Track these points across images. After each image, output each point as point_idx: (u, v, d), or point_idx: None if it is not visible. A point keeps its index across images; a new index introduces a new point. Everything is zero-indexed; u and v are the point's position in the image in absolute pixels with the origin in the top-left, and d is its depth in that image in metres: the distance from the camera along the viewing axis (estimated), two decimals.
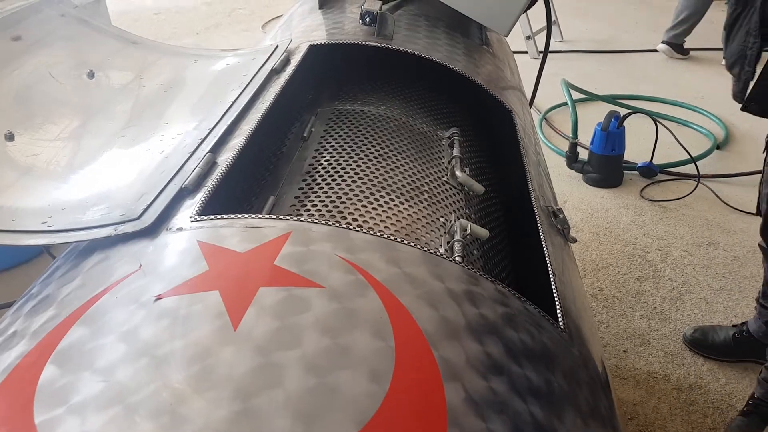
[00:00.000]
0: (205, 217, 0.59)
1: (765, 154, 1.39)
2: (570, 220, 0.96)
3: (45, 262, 1.90)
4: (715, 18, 3.66)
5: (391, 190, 0.85)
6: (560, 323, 0.64)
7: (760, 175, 1.42)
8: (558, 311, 0.66)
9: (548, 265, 0.74)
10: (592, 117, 2.64)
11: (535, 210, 0.85)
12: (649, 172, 2.46)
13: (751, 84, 1.29)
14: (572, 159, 2.51)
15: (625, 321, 1.79)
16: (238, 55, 1.06)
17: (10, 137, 0.78)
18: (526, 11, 1.31)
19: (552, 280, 0.71)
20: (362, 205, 0.80)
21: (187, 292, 0.48)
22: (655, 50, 3.67)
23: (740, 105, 1.30)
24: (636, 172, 2.49)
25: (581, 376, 0.62)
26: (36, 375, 0.43)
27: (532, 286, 0.78)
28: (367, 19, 1.11)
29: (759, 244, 1.50)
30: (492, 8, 1.20)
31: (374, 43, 1.06)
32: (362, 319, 0.48)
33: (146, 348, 0.44)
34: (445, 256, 0.63)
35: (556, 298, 0.68)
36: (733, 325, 1.67)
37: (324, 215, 0.77)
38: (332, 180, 0.84)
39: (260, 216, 0.59)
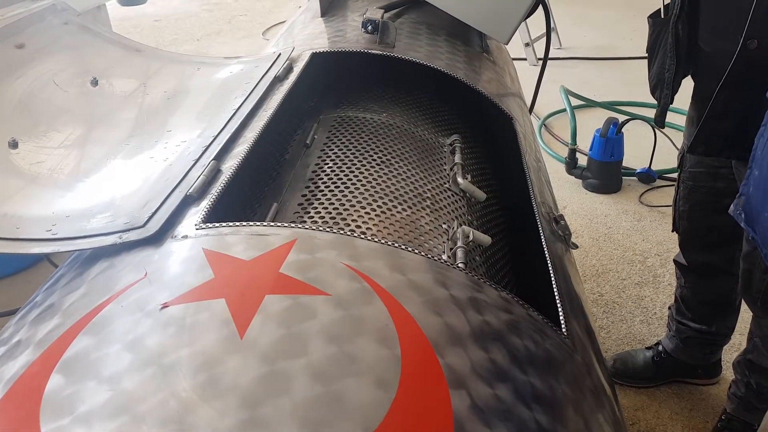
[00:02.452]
0: (210, 225, 0.59)
1: (679, 171, 1.36)
2: (570, 226, 0.96)
3: (44, 270, 1.90)
4: None
5: (394, 196, 0.85)
6: (563, 330, 0.65)
7: (674, 192, 1.39)
8: (561, 318, 0.66)
9: (550, 271, 0.74)
10: (591, 123, 2.65)
11: (537, 216, 0.85)
12: (648, 177, 2.47)
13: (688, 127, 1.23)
14: (572, 165, 2.52)
15: (625, 326, 1.79)
16: (241, 63, 1.06)
17: (14, 145, 0.79)
18: (525, 19, 1.32)
19: (554, 286, 0.71)
20: (365, 212, 0.81)
21: (193, 300, 0.48)
22: None
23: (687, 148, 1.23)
24: (635, 177, 2.50)
25: (585, 382, 0.62)
26: (42, 384, 0.43)
27: (535, 292, 0.78)
28: (369, 27, 1.12)
29: (674, 260, 1.48)
30: (492, 16, 1.21)
31: (376, 51, 1.07)
32: (368, 326, 0.48)
33: (153, 357, 0.44)
34: (448, 263, 0.63)
35: (558, 305, 0.68)
36: (647, 348, 1.62)
37: (327, 222, 0.77)
38: (335, 187, 0.85)
39: (265, 223, 0.60)
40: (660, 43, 1.21)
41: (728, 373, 1.60)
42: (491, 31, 1.25)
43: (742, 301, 1.46)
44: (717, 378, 1.59)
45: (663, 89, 1.22)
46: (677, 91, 1.22)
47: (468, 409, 0.45)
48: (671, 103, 1.24)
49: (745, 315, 1.51)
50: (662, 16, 1.21)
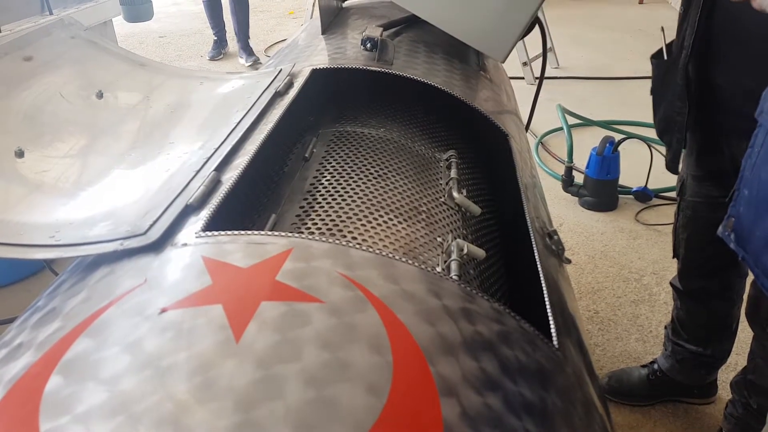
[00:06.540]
0: (210, 234, 0.61)
1: (678, 198, 1.37)
2: (566, 243, 0.98)
3: (45, 278, 1.91)
4: None
5: (390, 210, 0.87)
6: (554, 342, 0.66)
7: (674, 220, 1.40)
8: (552, 330, 0.67)
9: (542, 285, 0.75)
10: (588, 142, 2.69)
11: (530, 231, 0.87)
12: (644, 196, 2.49)
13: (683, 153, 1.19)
14: (568, 183, 2.55)
15: (620, 344, 1.80)
16: (243, 78, 1.09)
17: (20, 154, 0.81)
18: (522, 38, 1.35)
19: (546, 299, 0.72)
20: (361, 224, 0.82)
21: (191, 306, 0.50)
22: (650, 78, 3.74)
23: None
24: (631, 196, 2.52)
25: (575, 395, 0.63)
26: (41, 385, 0.44)
27: (528, 306, 0.79)
28: (368, 45, 1.15)
29: (671, 283, 1.48)
30: (489, 35, 1.25)
31: (375, 68, 1.10)
32: (361, 334, 0.49)
33: (150, 359, 0.45)
34: (441, 274, 0.65)
35: (550, 318, 0.69)
36: (642, 366, 1.62)
37: (324, 233, 0.79)
38: (332, 199, 0.86)
39: (263, 233, 0.61)
40: (667, 85, 1.17)
41: (724, 392, 1.60)
42: (488, 49, 1.28)
43: (739, 323, 1.48)
44: (713, 398, 1.59)
45: (674, 133, 1.18)
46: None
47: (458, 416, 0.46)
48: (684, 148, 1.20)
49: (742, 335, 1.52)
50: (665, 57, 1.18)
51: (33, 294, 1.03)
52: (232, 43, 4.39)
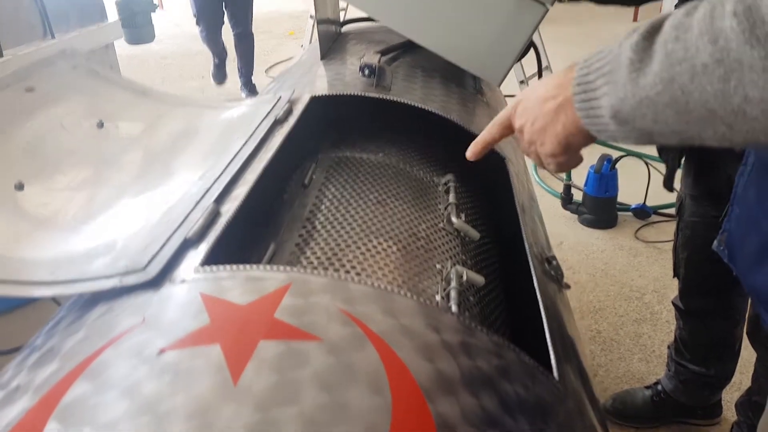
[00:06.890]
0: (208, 269, 0.61)
1: (677, 218, 1.38)
2: (566, 262, 0.98)
3: (43, 307, 1.90)
4: None
5: (389, 236, 0.87)
6: (554, 374, 0.65)
7: (674, 239, 1.41)
8: (552, 362, 0.67)
9: (542, 313, 0.75)
10: (586, 159, 2.69)
11: (529, 257, 0.87)
12: (643, 213, 2.50)
13: (679, 171, 1.22)
14: (567, 200, 2.55)
15: (624, 364, 1.78)
16: (243, 106, 1.10)
17: (19, 187, 0.81)
18: (518, 62, 1.36)
19: (546, 329, 0.72)
20: (360, 252, 0.82)
21: (189, 346, 0.49)
22: None
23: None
24: (630, 213, 2.53)
25: (576, 426, 0.63)
26: (38, 431, 0.44)
27: (528, 331, 0.79)
28: (366, 72, 1.16)
29: (673, 302, 1.49)
30: (485, 60, 1.26)
31: (373, 95, 1.11)
32: (359, 373, 0.49)
33: (148, 404, 0.44)
34: (441, 306, 0.65)
35: (550, 350, 0.69)
36: (646, 387, 1.61)
37: (323, 263, 0.79)
38: (331, 227, 0.87)
39: (261, 267, 0.61)
40: None
41: (729, 413, 1.59)
42: (484, 74, 1.29)
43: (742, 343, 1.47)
44: (717, 419, 1.58)
45: (670, 151, 1.21)
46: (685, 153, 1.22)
47: None
48: (679, 167, 1.23)
49: (745, 353, 1.51)
50: None
51: (32, 321, 1.02)
52: (233, 75, 4.32)
